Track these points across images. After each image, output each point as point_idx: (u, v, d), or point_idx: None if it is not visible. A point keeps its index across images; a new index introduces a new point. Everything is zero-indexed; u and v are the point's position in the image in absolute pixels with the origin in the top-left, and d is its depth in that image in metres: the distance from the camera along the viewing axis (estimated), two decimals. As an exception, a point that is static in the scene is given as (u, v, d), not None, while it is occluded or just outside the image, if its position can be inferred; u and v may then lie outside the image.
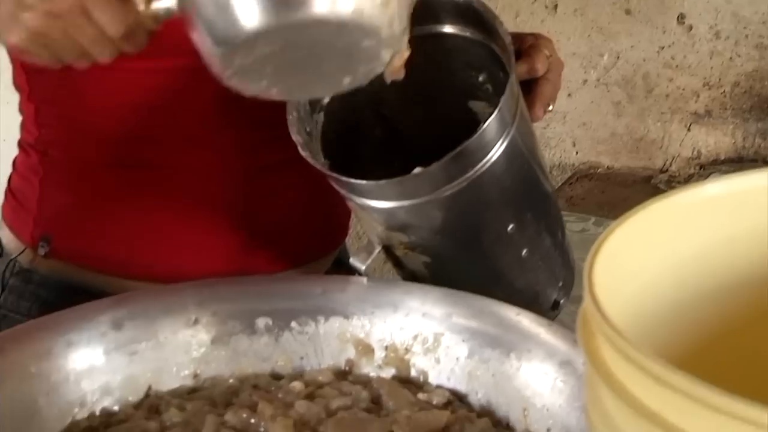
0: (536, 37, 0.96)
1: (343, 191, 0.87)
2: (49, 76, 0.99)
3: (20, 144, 1.08)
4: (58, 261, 1.04)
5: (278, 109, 1.02)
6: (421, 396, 0.80)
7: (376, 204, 0.85)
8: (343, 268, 1.13)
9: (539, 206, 0.94)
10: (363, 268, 0.88)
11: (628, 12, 1.90)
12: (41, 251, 1.03)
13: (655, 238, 0.54)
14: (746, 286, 0.55)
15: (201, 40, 0.67)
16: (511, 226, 0.89)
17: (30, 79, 1.02)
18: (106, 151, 1.01)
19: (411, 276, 0.93)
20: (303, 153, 0.86)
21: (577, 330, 0.47)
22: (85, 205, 1.03)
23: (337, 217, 1.14)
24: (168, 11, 0.71)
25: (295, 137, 0.87)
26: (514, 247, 0.91)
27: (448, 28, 0.92)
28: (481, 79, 0.94)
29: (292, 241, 1.07)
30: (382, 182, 0.83)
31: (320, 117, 0.91)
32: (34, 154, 1.05)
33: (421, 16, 0.89)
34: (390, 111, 0.98)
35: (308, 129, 0.90)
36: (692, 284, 0.54)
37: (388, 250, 0.90)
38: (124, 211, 1.02)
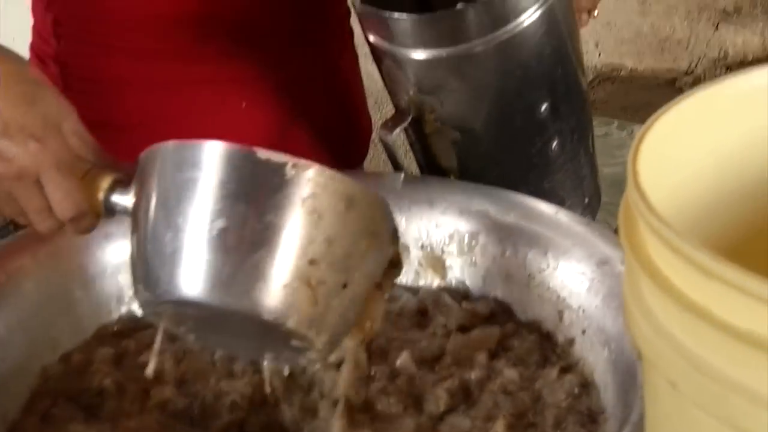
0: None
1: (378, 39, 0.85)
2: None
3: (33, 52, 1.04)
4: None
5: (305, 18, 1.01)
6: (465, 305, 0.79)
7: (410, 53, 0.83)
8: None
9: (573, 96, 0.92)
10: (390, 138, 0.86)
11: None
12: None
13: (698, 129, 0.52)
14: (790, 179, 0.54)
15: (132, 270, 0.63)
16: (544, 106, 0.88)
17: None
18: (134, 66, 0.98)
19: (436, 170, 0.92)
20: None
21: (619, 221, 0.46)
22: (110, 122, 1.00)
23: (360, 134, 1.13)
24: (124, 210, 0.66)
25: None
26: (544, 135, 0.90)
27: None
28: None
29: (319, 157, 1.06)
30: (424, 16, 0.81)
31: None
32: (53, 65, 1.01)
33: None
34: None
35: None
36: (735, 176, 0.53)
37: (416, 127, 0.88)
38: (151, 128, 0.99)
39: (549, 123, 0.89)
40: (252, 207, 0.58)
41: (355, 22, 1.05)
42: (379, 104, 1.30)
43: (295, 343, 0.60)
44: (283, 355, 0.65)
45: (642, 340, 0.44)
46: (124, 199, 0.66)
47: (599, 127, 1.68)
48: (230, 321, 0.62)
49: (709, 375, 0.39)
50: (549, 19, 0.84)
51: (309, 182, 0.60)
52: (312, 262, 0.58)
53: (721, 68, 1.89)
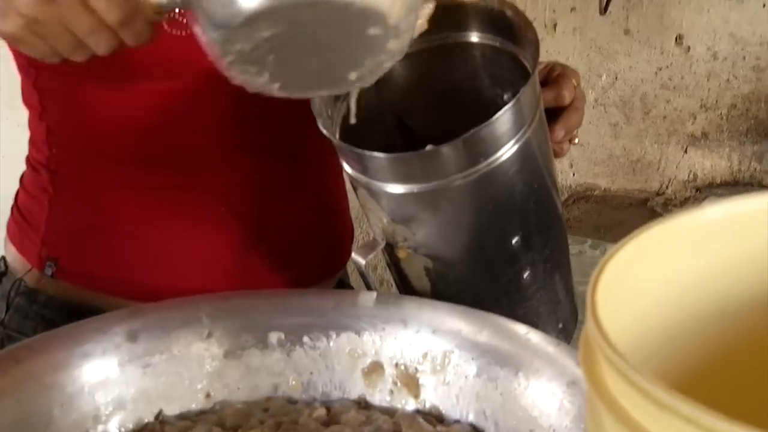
0: (564, 67, 0.97)
1: (354, 171, 0.87)
2: (61, 97, 0.99)
3: (29, 162, 1.08)
4: (64, 281, 1.04)
5: (288, 131, 1.03)
6: (440, 428, 0.80)
7: (385, 187, 0.85)
8: (344, 289, 1.14)
9: (547, 226, 0.94)
10: (363, 262, 0.88)
11: (626, 32, 1.91)
12: (48, 271, 1.04)
13: (656, 261, 0.54)
14: (747, 309, 0.56)
15: (201, 27, 0.65)
16: (516, 239, 0.89)
17: (42, 98, 1.02)
18: (118, 172, 1.01)
19: (410, 290, 0.93)
20: (320, 126, 0.85)
21: (579, 352, 0.48)
22: (95, 225, 1.03)
23: (341, 239, 1.14)
24: (171, 2, 0.69)
25: (316, 112, 0.86)
26: (516, 265, 0.91)
27: (474, 37, 0.93)
28: (505, 97, 0.95)
29: (297, 263, 1.08)
30: (395, 156, 0.83)
31: (343, 107, 0.91)
32: (45, 172, 1.05)
33: (447, 23, 0.90)
34: (412, 121, 0.99)
35: (329, 113, 0.90)
36: (694, 307, 0.55)
37: (390, 251, 0.90)
38: (134, 230, 1.03)
39: (521, 254, 0.90)
40: None
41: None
42: (361, 217, 1.32)
43: (372, 31, 0.61)
44: (364, 63, 0.65)
45: (602, 468, 0.46)
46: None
47: (573, 246, 1.71)
48: (305, 30, 0.63)
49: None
50: (525, 151, 0.85)
51: None
52: None
53: (690, 189, 1.93)
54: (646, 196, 1.96)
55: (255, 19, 0.62)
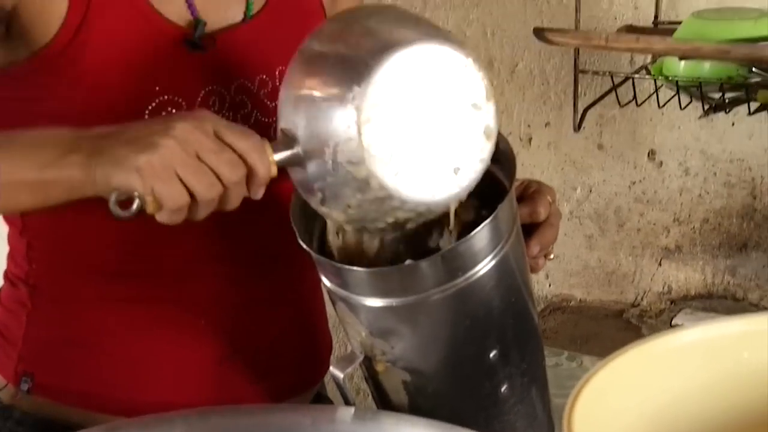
0: (540, 184, 1.00)
1: (332, 285, 0.88)
2: (40, 214, 1.00)
3: (6, 277, 1.08)
4: (40, 397, 1.03)
5: (268, 243, 1.04)
6: None
7: (363, 301, 0.86)
8: (322, 402, 1.14)
9: (525, 340, 0.94)
10: (341, 376, 0.88)
11: (600, 147, 1.95)
12: (24, 387, 1.03)
13: (633, 383, 0.55)
14: (722, 430, 0.57)
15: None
16: (493, 353, 0.90)
17: (23, 215, 1.03)
18: (99, 286, 1.02)
19: (388, 403, 0.93)
20: (299, 239, 0.87)
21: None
22: (73, 339, 1.04)
23: (320, 352, 1.15)
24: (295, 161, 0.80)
25: (295, 225, 0.88)
26: (494, 379, 0.92)
27: None
28: (484, 213, 0.96)
29: (275, 375, 1.08)
30: (373, 270, 0.84)
31: (324, 220, 0.93)
32: (23, 287, 1.05)
33: None
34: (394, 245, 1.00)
35: (308, 227, 0.91)
36: (669, 429, 0.56)
37: (368, 364, 0.90)
38: (112, 344, 1.03)
39: (498, 368, 0.91)
40: None
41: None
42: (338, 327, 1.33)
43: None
44: (468, 136, 0.81)
45: None
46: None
47: (550, 358, 1.71)
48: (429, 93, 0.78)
49: None
50: (503, 266, 0.87)
51: None
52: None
53: (665, 302, 1.95)
54: (621, 308, 1.98)
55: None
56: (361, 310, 0.87)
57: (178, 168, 0.76)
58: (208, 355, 1.04)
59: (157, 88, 0.95)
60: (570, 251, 2.01)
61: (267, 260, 1.05)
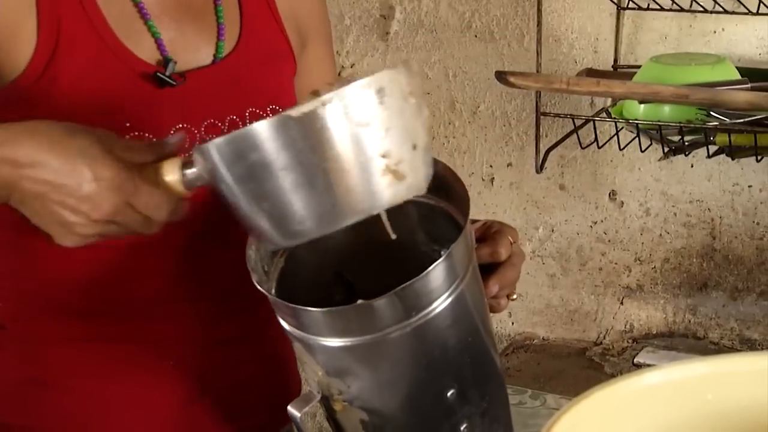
0: (501, 224, 1.00)
1: (288, 326, 0.88)
2: (11, 250, 1.00)
3: None
4: None
5: (235, 283, 1.05)
6: None
7: (319, 341, 0.86)
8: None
9: (484, 380, 0.95)
10: (299, 416, 0.88)
11: (562, 187, 1.97)
12: None
13: (598, 426, 0.56)
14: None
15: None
16: (451, 392, 0.90)
17: None
18: (66, 325, 1.01)
19: None
20: (255, 282, 0.87)
21: None
22: (38, 379, 1.03)
23: (289, 392, 1.15)
24: (202, 182, 0.80)
25: (251, 268, 0.89)
26: (452, 418, 0.91)
27: None
28: (442, 253, 0.97)
29: (244, 415, 1.08)
30: (327, 310, 0.84)
31: (281, 262, 0.93)
32: None
33: None
34: (352, 277, 1.01)
35: (266, 268, 0.92)
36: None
37: (326, 403, 0.91)
38: (79, 384, 1.03)
39: (457, 407, 0.91)
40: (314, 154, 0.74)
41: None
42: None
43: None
44: None
45: None
46: (198, 175, 0.79)
47: (513, 396, 1.71)
48: None
49: None
50: (459, 305, 0.87)
51: (336, 109, 0.73)
52: (384, 155, 0.75)
53: (627, 340, 1.97)
54: (584, 346, 2.00)
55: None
56: (317, 351, 0.87)
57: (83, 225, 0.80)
58: (176, 396, 1.04)
59: (128, 124, 0.95)
60: (533, 290, 2.03)
61: (235, 300, 1.05)
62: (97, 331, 1.02)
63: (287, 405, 1.14)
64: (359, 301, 0.85)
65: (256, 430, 1.08)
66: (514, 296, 1.03)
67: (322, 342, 0.86)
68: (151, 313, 1.02)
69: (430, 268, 0.83)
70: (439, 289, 0.85)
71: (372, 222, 0.96)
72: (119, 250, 0.99)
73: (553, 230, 2.00)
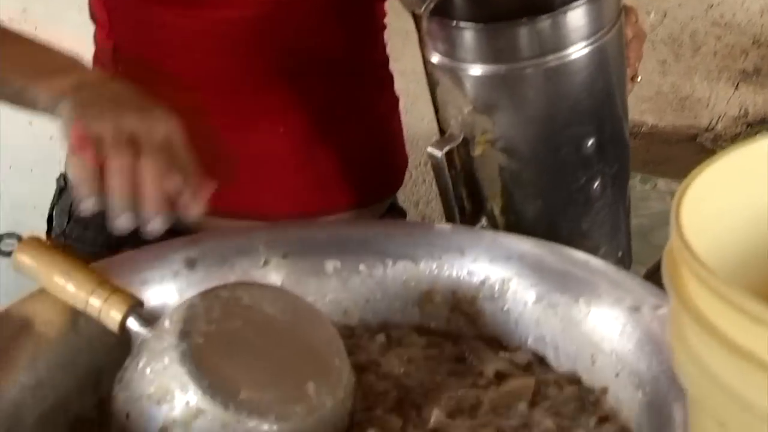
0: (625, 4, 0.98)
1: (439, 56, 0.88)
2: (131, 17, 1.02)
3: None
4: None
5: (343, 58, 1.05)
6: (502, 355, 0.81)
7: (470, 70, 0.86)
8: (395, 212, 1.16)
9: (617, 141, 0.94)
10: (439, 154, 0.89)
11: (676, -32, 1.89)
12: None
13: (734, 184, 0.54)
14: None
15: None
16: (590, 142, 0.90)
17: (111, 17, 1.06)
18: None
19: (477, 201, 0.93)
20: (406, 6, 0.87)
21: (663, 268, 0.48)
22: None
23: (397, 162, 1.17)
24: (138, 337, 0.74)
25: None
26: (588, 172, 0.92)
27: None
28: None
29: (353, 184, 1.10)
30: (489, 25, 0.85)
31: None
32: None
33: None
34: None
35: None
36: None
37: (466, 150, 0.91)
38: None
39: (593, 161, 0.91)
40: None
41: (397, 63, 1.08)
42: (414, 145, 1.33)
43: None
44: None
45: (689, 382, 0.46)
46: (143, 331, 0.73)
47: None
48: None
49: (758, 415, 0.41)
50: (599, 57, 0.87)
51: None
52: None
53: (741, 126, 1.91)
54: (695, 132, 1.95)
55: None
56: (466, 82, 0.87)
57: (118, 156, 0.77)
58: (286, 163, 1.06)
59: None
60: (642, 76, 1.95)
61: (344, 75, 1.06)
62: (209, 101, 1.02)
63: (394, 178, 1.16)
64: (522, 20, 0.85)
65: (363, 200, 1.10)
66: (639, 78, 1.02)
67: (472, 71, 0.86)
68: (262, 85, 1.04)
69: (577, 3, 0.84)
70: (580, 30, 0.85)
71: None
72: (236, 24, 1.00)
73: (665, 15, 1.93)
